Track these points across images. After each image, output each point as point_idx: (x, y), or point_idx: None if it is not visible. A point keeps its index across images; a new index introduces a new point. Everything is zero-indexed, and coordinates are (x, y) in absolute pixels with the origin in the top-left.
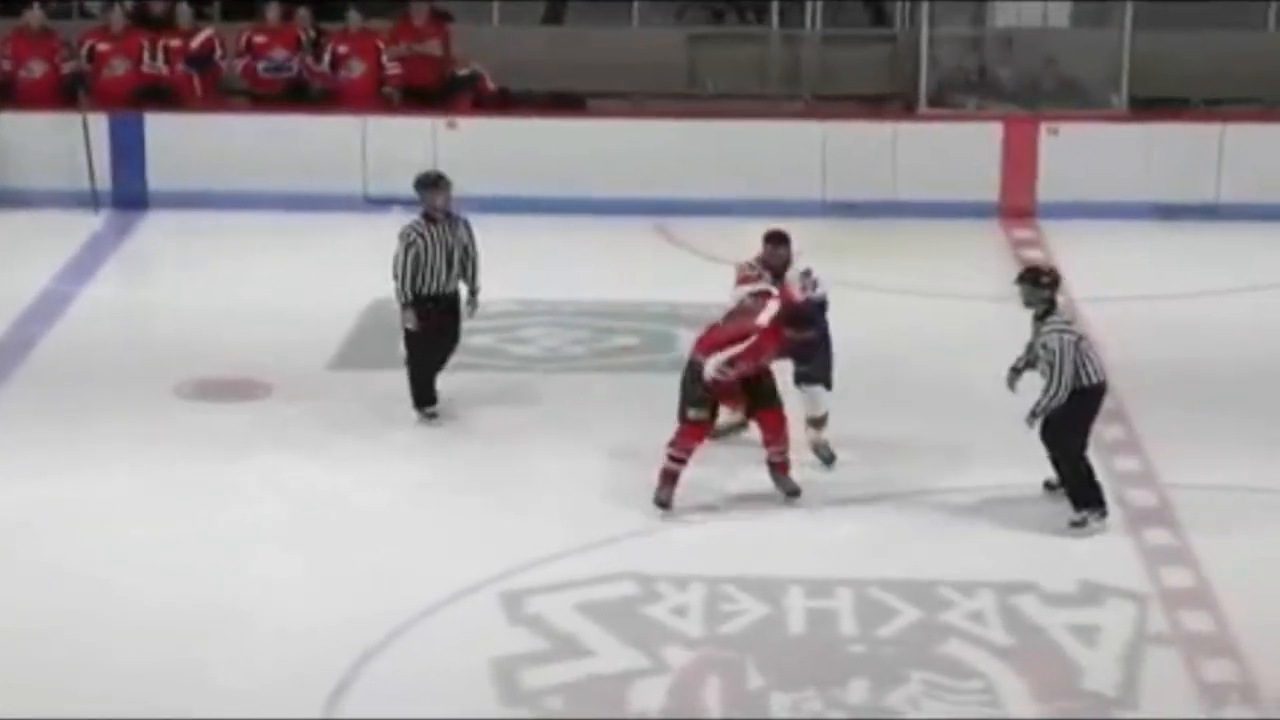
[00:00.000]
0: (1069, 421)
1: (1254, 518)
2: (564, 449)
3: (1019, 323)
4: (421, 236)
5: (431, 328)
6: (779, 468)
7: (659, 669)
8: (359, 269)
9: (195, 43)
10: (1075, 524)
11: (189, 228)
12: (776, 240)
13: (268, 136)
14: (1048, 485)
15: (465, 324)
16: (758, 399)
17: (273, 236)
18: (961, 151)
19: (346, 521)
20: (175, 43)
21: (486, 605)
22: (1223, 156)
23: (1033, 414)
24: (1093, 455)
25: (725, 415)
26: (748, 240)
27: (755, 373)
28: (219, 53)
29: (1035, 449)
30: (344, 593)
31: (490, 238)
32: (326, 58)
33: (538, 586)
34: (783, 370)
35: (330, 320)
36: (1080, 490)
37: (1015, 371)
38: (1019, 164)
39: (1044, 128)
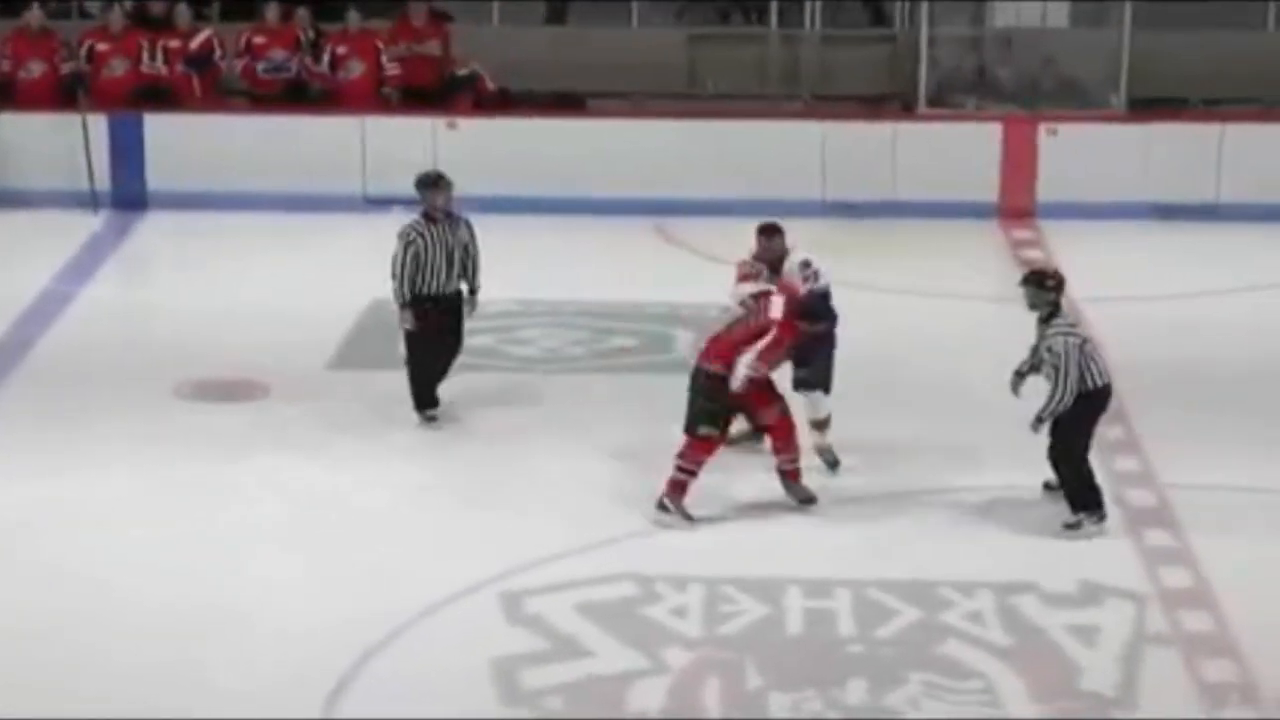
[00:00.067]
0: (1074, 424)
1: (1253, 518)
2: (564, 450)
3: (1018, 323)
4: (421, 236)
5: (431, 328)
6: (790, 475)
7: (658, 669)
8: (358, 269)
9: (194, 43)
10: (1069, 526)
11: (188, 228)
12: (770, 232)
13: (267, 137)
14: (1047, 486)
15: (465, 324)
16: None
17: (272, 237)
18: (961, 152)
19: (346, 522)
20: (174, 43)
21: (486, 605)
22: (1222, 156)
23: (1039, 419)
24: (1092, 456)
25: (738, 424)
26: (747, 241)
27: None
28: (218, 53)
29: (1034, 450)
30: (344, 593)
31: (490, 238)
32: (326, 58)
33: (537, 587)
34: (782, 375)
35: (330, 321)
36: (1080, 493)
37: (1019, 375)
38: (1018, 164)
39: (1043, 128)
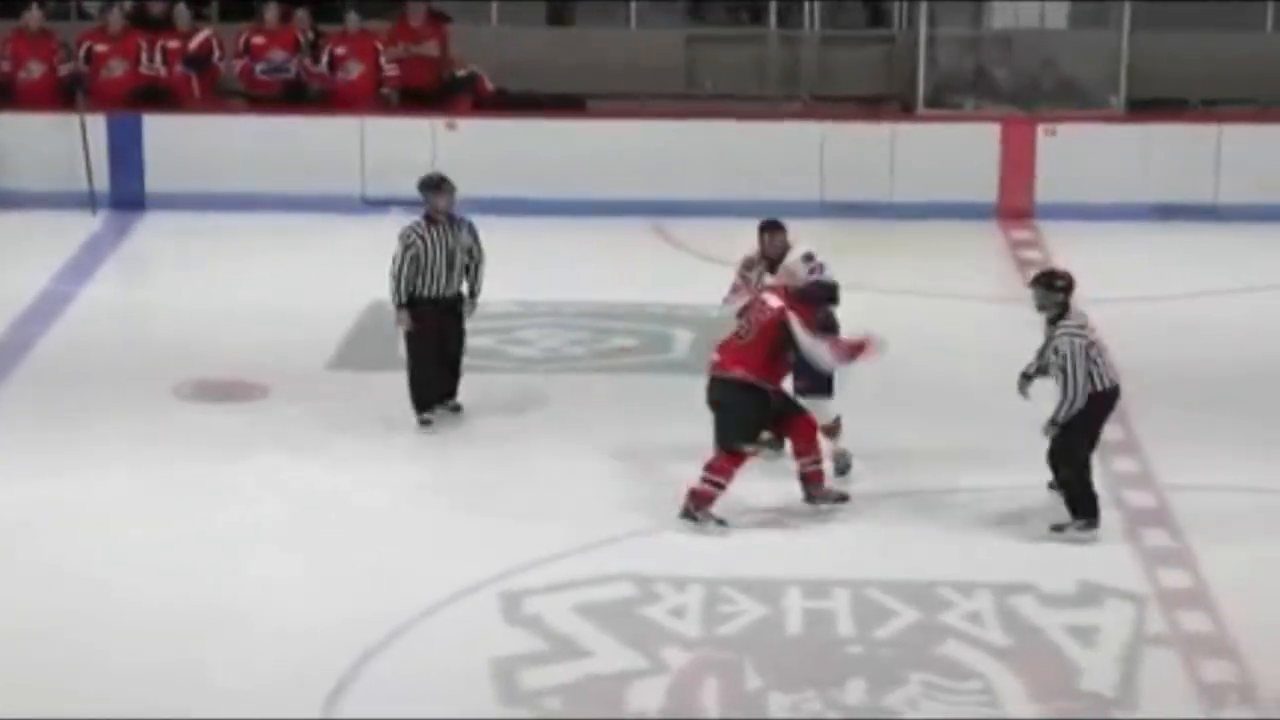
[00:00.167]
0: (1078, 425)
1: (1252, 519)
2: (563, 450)
3: (1018, 323)
4: (421, 239)
5: (429, 331)
6: (812, 477)
7: (657, 670)
8: (358, 270)
9: (193, 44)
10: (1055, 528)
11: (187, 229)
12: (772, 229)
13: (266, 138)
14: (1051, 486)
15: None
16: (782, 411)
17: (271, 237)
18: (960, 152)
19: (345, 522)
20: (173, 44)
21: (485, 606)
22: (1221, 157)
23: (1053, 422)
24: (1092, 456)
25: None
26: (747, 241)
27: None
28: (217, 54)
29: (1033, 450)
30: (343, 593)
31: (489, 239)
32: (325, 59)
33: (536, 587)
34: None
35: (329, 321)
36: (1078, 498)
37: (1026, 377)
38: (1017, 164)
39: (1042, 128)
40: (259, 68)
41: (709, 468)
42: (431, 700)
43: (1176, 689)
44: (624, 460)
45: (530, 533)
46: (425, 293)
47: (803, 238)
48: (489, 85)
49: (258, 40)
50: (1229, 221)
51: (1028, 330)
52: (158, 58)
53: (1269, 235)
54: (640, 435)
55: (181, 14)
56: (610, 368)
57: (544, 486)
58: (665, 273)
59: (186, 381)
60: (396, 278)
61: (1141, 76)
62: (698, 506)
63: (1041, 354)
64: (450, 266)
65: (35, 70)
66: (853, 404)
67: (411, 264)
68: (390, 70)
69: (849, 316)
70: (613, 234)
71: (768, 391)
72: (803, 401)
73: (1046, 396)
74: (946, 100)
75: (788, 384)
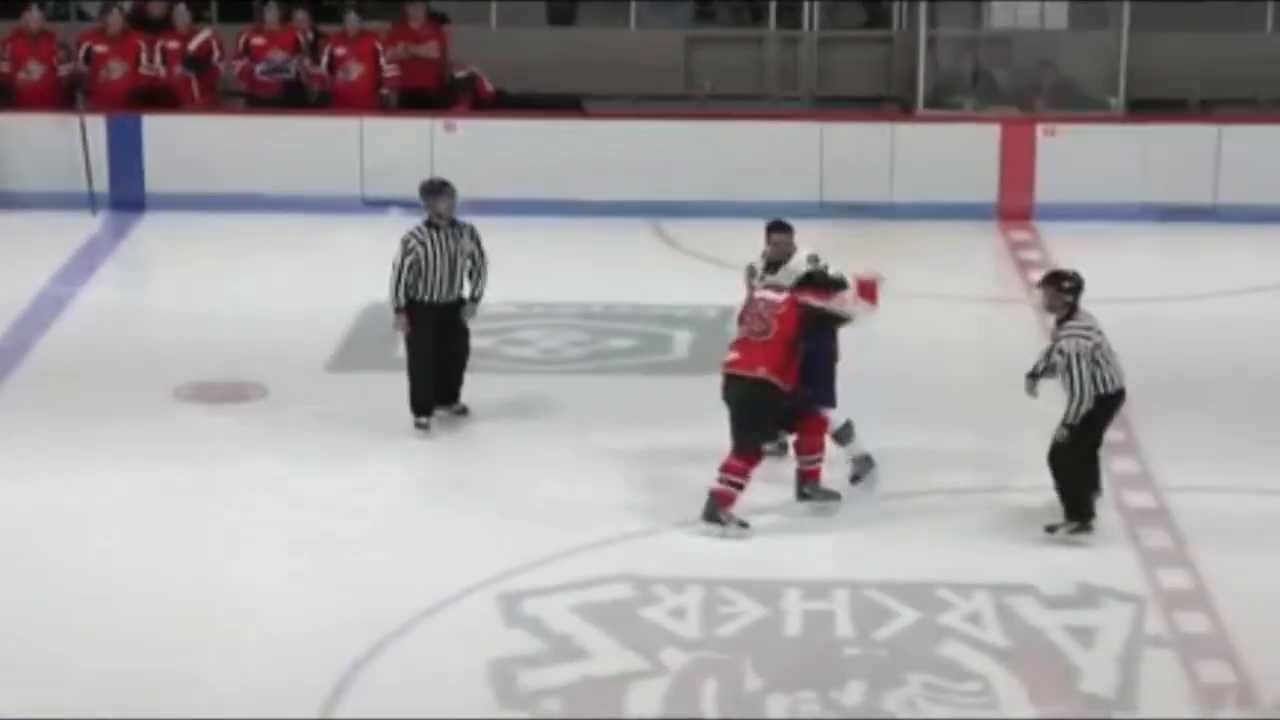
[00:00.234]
0: (1081, 427)
1: (1252, 520)
2: (561, 451)
3: (1017, 324)
4: (422, 244)
5: (429, 335)
6: (810, 475)
7: (656, 671)
8: (357, 271)
9: (193, 44)
10: (1049, 529)
11: (187, 229)
12: (779, 230)
13: (266, 138)
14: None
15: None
16: (794, 409)
17: (271, 238)
18: (959, 153)
19: (344, 523)
20: (173, 45)
21: (484, 607)
22: (1220, 158)
23: (1068, 426)
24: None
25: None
26: (745, 241)
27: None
28: (217, 54)
29: (1032, 451)
30: (342, 594)
31: (488, 239)
32: (324, 60)
33: (535, 588)
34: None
35: (328, 322)
36: (1072, 500)
37: (1033, 377)
38: (1016, 165)
39: (1041, 129)
40: (259, 68)
41: (726, 468)
42: (430, 701)
43: (1175, 690)
44: (622, 461)
45: (529, 534)
46: (427, 298)
47: (802, 239)
48: (488, 86)
49: (257, 41)
50: (1228, 222)
51: (1027, 330)
52: (157, 58)
53: (1268, 236)
54: (639, 436)
55: (181, 15)
56: (608, 369)
57: (542, 487)
58: (664, 273)
59: (186, 382)
60: (395, 282)
61: (1141, 77)
62: (719, 508)
63: (1048, 354)
64: (452, 272)
65: (35, 71)
66: (850, 405)
67: (412, 269)
68: (390, 71)
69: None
70: (612, 235)
71: (784, 391)
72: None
73: (1050, 398)
74: (946, 101)
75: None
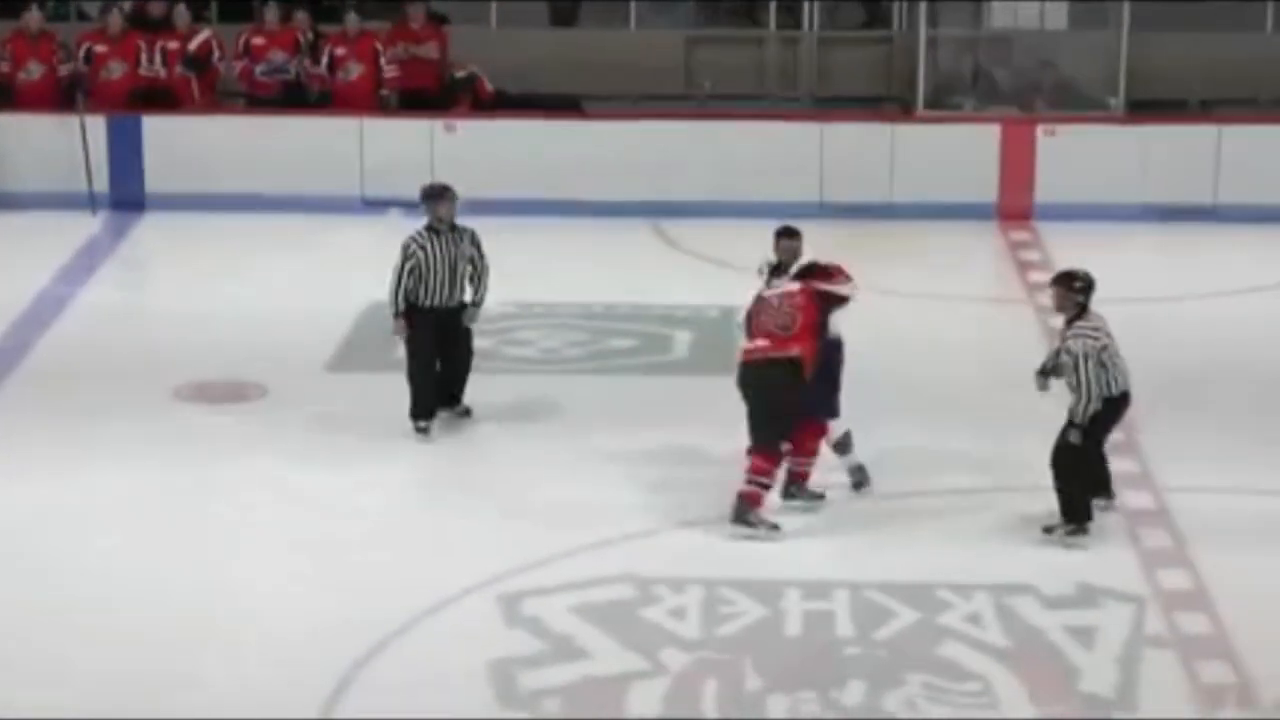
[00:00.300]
0: (1087, 430)
1: (1251, 520)
2: (561, 451)
3: (1017, 324)
4: (423, 249)
5: (429, 340)
6: (800, 476)
7: (656, 671)
8: (357, 271)
9: (193, 44)
10: (1047, 530)
11: (186, 230)
12: (788, 235)
13: (265, 138)
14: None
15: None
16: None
17: (271, 238)
18: (959, 153)
19: (344, 523)
20: (173, 45)
21: (484, 607)
22: (1220, 158)
23: (1078, 428)
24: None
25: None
26: (746, 242)
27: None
28: (217, 54)
29: (1032, 451)
30: (342, 594)
31: (488, 240)
32: (324, 60)
33: (535, 589)
34: None
35: (328, 322)
36: (1070, 502)
37: (1043, 373)
38: (1016, 166)
39: (1041, 129)
40: (259, 69)
41: (752, 469)
42: (430, 701)
43: (1175, 690)
44: (622, 461)
45: (529, 534)
46: (427, 302)
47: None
48: (488, 87)
49: (257, 41)
50: (1228, 222)
51: (1027, 331)
52: (157, 59)
53: (1267, 237)
54: (639, 436)
55: (181, 15)
56: (608, 369)
57: (542, 487)
58: (664, 274)
59: (186, 382)
60: (395, 288)
61: (1141, 77)
62: (749, 509)
63: (1057, 354)
64: (452, 276)
65: (35, 71)
66: (849, 406)
67: (412, 274)
68: (390, 71)
69: (850, 316)
70: (612, 235)
71: (806, 377)
72: None
73: (1050, 399)
74: (946, 101)
75: None
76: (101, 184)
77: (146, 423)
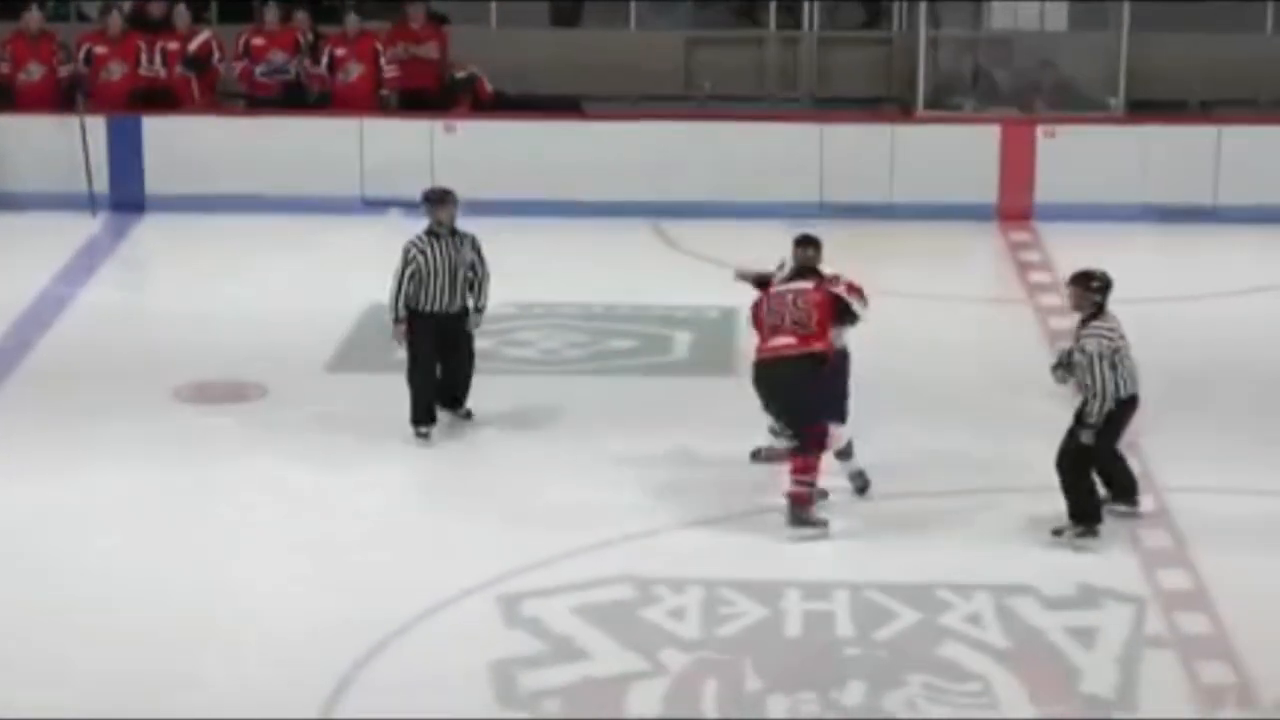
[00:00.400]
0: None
1: (1251, 521)
2: (561, 451)
3: (1017, 325)
4: (423, 254)
5: (429, 345)
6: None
7: (656, 671)
8: (357, 271)
9: (193, 45)
10: (1055, 532)
11: (186, 230)
12: (808, 244)
13: (265, 139)
14: (1101, 500)
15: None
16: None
17: (270, 239)
18: (959, 154)
19: (344, 524)
20: (173, 45)
21: (484, 608)
22: (1220, 159)
23: (1090, 427)
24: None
25: (770, 440)
26: (746, 243)
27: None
28: (217, 55)
29: (1031, 452)
30: (342, 595)
31: (488, 240)
32: (324, 60)
33: (535, 589)
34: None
35: (328, 323)
36: (1078, 503)
37: (1064, 367)
38: (1016, 166)
39: (1041, 130)
40: (259, 69)
41: (796, 470)
42: (430, 702)
43: (1175, 691)
44: (622, 462)
45: (528, 535)
46: (427, 308)
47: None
48: (488, 87)
49: (257, 42)
50: (1228, 223)
51: (1027, 331)
52: (157, 59)
53: (1267, 237)
54: (639, 437)
55: (181, 16)
56: (608, 370)
57: (542, 488)
58: (665, 274)
59: (186, 382)
60: (395, 293)
61: (1141, 78)
62: (803, 510)
63: (1069, 352)
64: (453, 281)
65: (35, 72)
66: (852, 405)
67: (412, 279)
68: (390, 72)
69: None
70: (612, 235)
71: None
72: None
73: (1050, 399)
74: (946, 101)
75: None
76: (101, 185)
77: (146, 423)
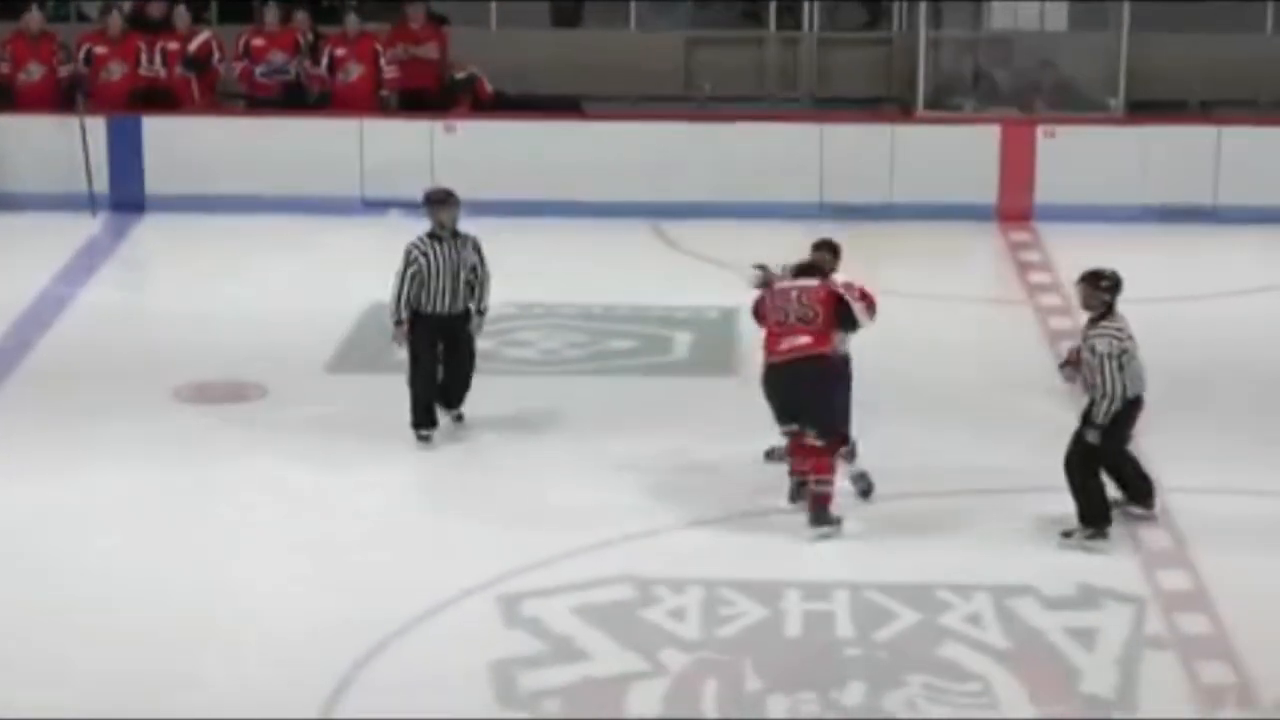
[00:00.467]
0: (1111, 429)
1: (1251, 521)
2: (561, 452)
3: (1017, 325)
4: (425, 256)
5: (430, 346)
6: (793, 473)
7: (656, 672)
8: (356, 272)
9: (193, 45)
10: (1065, 534)
11: (186, 231)
12: (827, 248)
13: (265, 139)
14: (1117, 503)
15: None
16: None
17: (270, 239)
18: (959, 154)
19: (344, 524)
20: (173, 46)
21: (484, 608)
22: (1220, 159)
23: (1097, 427)
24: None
25: (776, 440)
26: (746, 243)
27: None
28: (217, 56)
29: (1031, 452)
30: (342, 595)
31: (487, 241)
32: (324, 61)
33: (535, 589)
34: None
35: (328, 323)
36: (1087, 506)
37: (1071, 365)
38: (1016, 167)
39: (1041, 130)
40: (259, 70)
41: (818, 469)
42: (430, 701)
43: (1175, 691)
44: (622, 462)
45: (528, 535)
46: (429, 309)
47: (801, 240)
48: (488, 87)
49: (257, 42)
50: (1228, 224)
51: (1027, 332)
52: (157, 60)
53: (1267, 238)
54: (639, 437)
55: (181, 16)
56: (608, 370)
57: (542, 488)
58: (664, 274)
59: (186, 383)
60: (397, 295)
61: (1141, 78)
62: (825, 509)
63: (1078, 350)
64: (454, 283)
65: (35, 72)
66: (853, 406)
67: (414, 281)
68: (390, 72)
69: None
70: (612, 236)
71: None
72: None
73: (1050, 399)
74: (946, 102)
75: None
76: (101, 185)
77: (146, 423)
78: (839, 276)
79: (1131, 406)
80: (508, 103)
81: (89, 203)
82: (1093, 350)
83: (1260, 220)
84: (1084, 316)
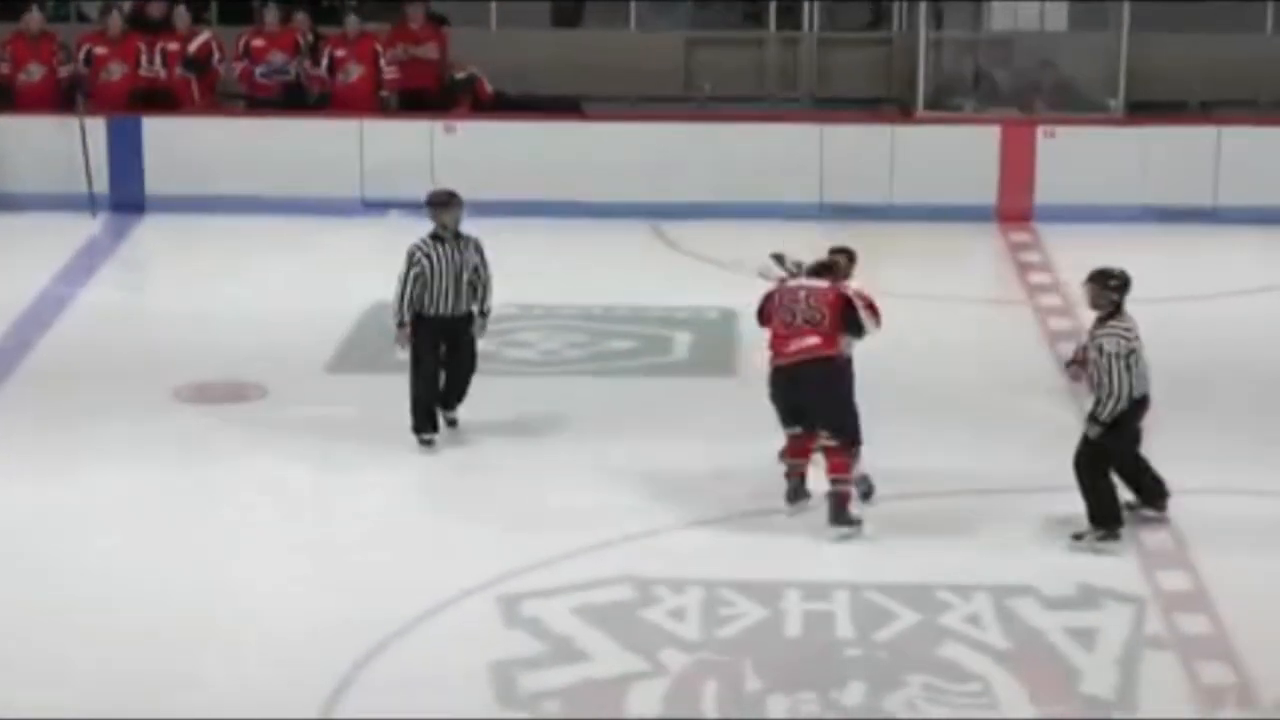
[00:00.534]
0: (1114, 429)
1: (1251, 521)
2: (561, 452)
3: (1017, 326)
4: (427, 257)
5: (432, 347)
6: (792, 475)
7: (656, 672)
8: (356, 272)
9: (193, 46)
10: (1076, 537)
11: (186, 231)
12: (843, 252)
13: (265, 140)
14: (1129, 506)
15: (477, 345)
16: None
17: (270, 240)
18: (959, 155)
19: (344, 525)
20: (173, 46)
21: (484, 608)
22: (1219, 159)
23: (1097, 420)
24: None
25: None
26: (746, 243)
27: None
28: (217, 56)
29: (1031, 452)
30: (341, 595)
31: (487, 241)
32: (324, 61)
33: (535, 590)
34: None
35: (328, 323)
36: (1097, 507)
37: (1078, 364)
38: (1016, 167)
39: (1041, 131)
40: (259, 70)
41: (835, 469)
42: (430, 701)
43: (1175, 691)
44: (622, 463)
45: (528, 535)
46: (431, 311)
47: (802, 241)
48: (488, 88)
49: (257, 43)
50: (1228, 224)
51: (1027, 332)
52: (157, 60)
53: (1267, 238)
54: (639, 438)
55: (181, 16)
56: (608, 371)
57: (542, 489)
58: (664, 275)
59: (186, 383)
60: (400, 297)
61: (1141, 79)
62: (845, 509)
63: (1084, 349)
64: (457, 285)
65: (35, 72)
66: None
67: (417, 282)
68: (390, 73)
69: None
70: (612, 236)
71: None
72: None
73: (1050, 400)
74: (946, 102)
75: None
76: (101, 185)
77: (146, 423)
78: (852, 283)
79: (1137, 406)
80: (508, 103)
81: (89, 203)
82: (1100, 350)
83: (1260, 220)
84: (1086, 316)
